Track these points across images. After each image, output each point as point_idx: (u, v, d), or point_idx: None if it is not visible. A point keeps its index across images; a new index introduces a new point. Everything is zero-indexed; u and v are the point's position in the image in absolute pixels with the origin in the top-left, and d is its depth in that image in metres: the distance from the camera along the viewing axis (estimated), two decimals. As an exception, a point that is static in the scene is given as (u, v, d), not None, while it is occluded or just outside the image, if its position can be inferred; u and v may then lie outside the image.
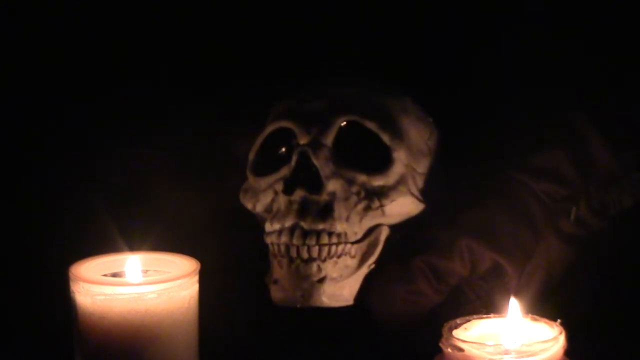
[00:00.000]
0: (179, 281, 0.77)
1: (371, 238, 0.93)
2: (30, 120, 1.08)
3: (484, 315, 0.76)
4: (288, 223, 0.91)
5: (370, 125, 0.94)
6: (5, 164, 1.08)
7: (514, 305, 0.75)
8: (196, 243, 0.88)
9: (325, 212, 0.91)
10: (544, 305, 0.83)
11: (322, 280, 0.91)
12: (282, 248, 0.92)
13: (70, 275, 0.77)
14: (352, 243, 0.92)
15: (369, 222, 0.93)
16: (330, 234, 0.91)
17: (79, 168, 1.06)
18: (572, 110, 0.96)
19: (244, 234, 1.03)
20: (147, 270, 0.82)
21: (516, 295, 0.90)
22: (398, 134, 0.95)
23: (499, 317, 0.76)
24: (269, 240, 0.94)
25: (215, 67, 1.09)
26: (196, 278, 0.79)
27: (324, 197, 0.92)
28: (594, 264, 0.96)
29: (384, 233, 0.94)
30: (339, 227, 0.91)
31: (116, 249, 0.85)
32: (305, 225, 0.91)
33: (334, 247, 0.91)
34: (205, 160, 1.07)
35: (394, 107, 0.97)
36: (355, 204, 0.92)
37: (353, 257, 0.93)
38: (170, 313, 0.76)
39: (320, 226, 0.91)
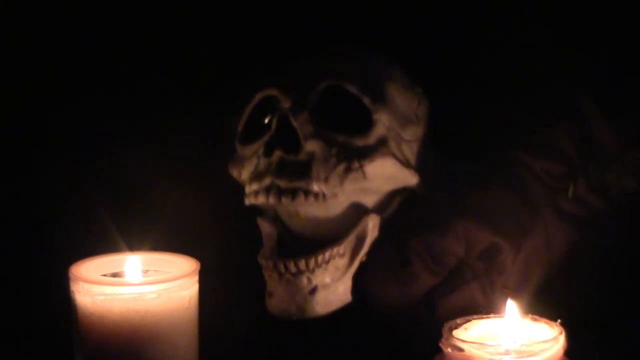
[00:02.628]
0: (179, 281, 0.77)
1: (358, 229, 0.93)
2: (30, 120, 1.08)
3: (484, 315, 0.76)
4: (265, 183, 0.91)
5: (351, 88, 0.93)
6: (5, 163, 1.08)
7: (514, 305, 0.75)
8: (196, 243, 0.88)
9: (302, 171, 0.90)
10: (544, 305, 0.83)
11: (313, 291, 0.91)
12: (270, 263, 0.91)
13: (70, 275, 0.77)
14: (337, 242, 0.91)
15: (350, 185, 0.92)
16: (306, 192, 0.90)
17: (79, 168, 1.06)
18: (572, 88, 0.96)
19: (244, 234, 1.03)
20: (147, 270, 0.82)
21: (516, 282, 0.91)
22: (380, 98, 0.94)
23: (499, 317, 0.76)
24: (247, 201, 0.93)
25: (216, 63, 1.09)
26: (196, 278, 0.79)
27: (302, 157, 0.91)
28: (593, 257, 0.95)
29: (372, 222, 0.93)
30: (316, 186, 0.90)
31: (116, 249, 0.84)
32: (281, 183, 0.90)
33: (320, 256, 0.90)
34: (205, 161, 1.07)
35: (378, 74, 0.96)
36: (335, 165, 0.91)
37: (342, 255, 0.92)
38: (170, 313, 0.76)
39: (296, 184, 0.90)
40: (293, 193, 0.90)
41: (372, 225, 0.93)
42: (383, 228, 0.94)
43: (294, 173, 0.90)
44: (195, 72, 1.09)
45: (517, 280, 0.91)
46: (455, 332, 0.72)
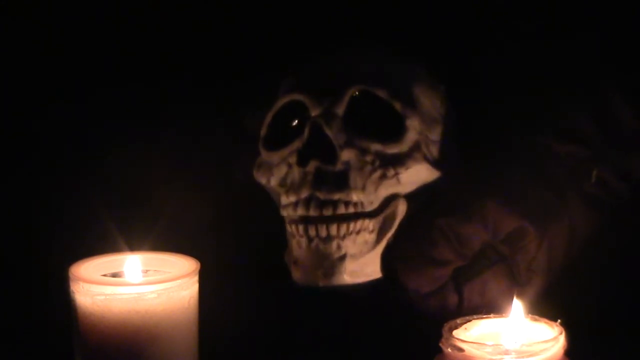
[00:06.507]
0: (179, 281, 0.77)
1: (388, 212, 0.93)
2: (31, 120, 1.08)
3: (484, 315, 0.76)
4: (304, 194, 0.91)
5: (382, 93, 0.94)
6: (5, 164, 1.08)
7: (515, 305, 0.75)
8: (196, 243, 0.88)
9: (341, 181, 0.91)
10: (545, 305, 0.83)
11: (342, 258, 0.91)
12: (301, 228, 0.91)
13: (70, 275, 0.77)
14: (370, 217, 0.92)
15: (384, 191, 0.93)
16: (346, 203, 0.91)
17: (79, 168, 1.06)
18: (597, 72, 0.96)
19: (244, 234, 1.03)
20: (147, 270, 0.82)
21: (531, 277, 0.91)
22: (410, 102, 0.94)
23: (499, 317, 0.76)
24: (285, 212, 0.93)
25: (217, 62, 1.09)
26: (196, 278, 0.79)
27: (339, 167, 0.91)
28: (606, 252, 0.95)
29: (401, 206, 0.93)
30: (355, 196, 0.91)
31: (116, 249, 0.84)
32: (320, 195, 0.90)
33: (352, 224, 0.91)
34: (205, 161, 1.07)
35: (405, 75, 0.97)
36: (370, 173, 0.92)
37: (371, 232, 0.92)
38: (170, 313, 0.76)
39: (336, 196, 0.90)
40: (334, 205, 0.90)
41: (401, 209, 0.94)
42: (411, 211, 0.94)
43: (332, 184, 0.91)
44: (197, 71, 1.09)
45: (541, 263, 0.91)
46: (455, 332, 0.72)
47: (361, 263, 0.92)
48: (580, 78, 0.97)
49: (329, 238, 0.90)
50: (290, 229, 0.93)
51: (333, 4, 1.08)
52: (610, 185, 0.94)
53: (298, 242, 0.92)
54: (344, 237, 0.90)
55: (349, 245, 0.91)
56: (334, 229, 0.90)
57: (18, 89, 1.08)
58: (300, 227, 0.91)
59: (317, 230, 0.90)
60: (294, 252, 0.93)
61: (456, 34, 1.04)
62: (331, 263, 0.91)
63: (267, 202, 1.01)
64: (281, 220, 0.97)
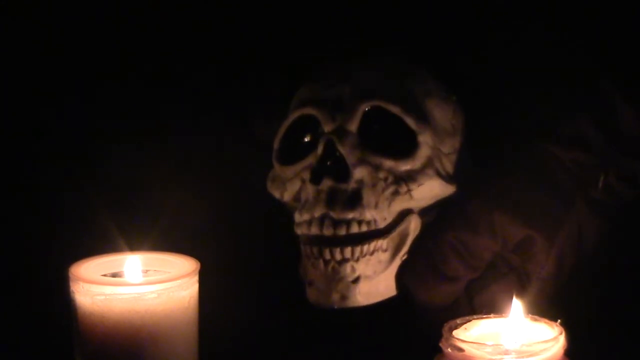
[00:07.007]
0: (179, 281, 0.77)
1: (401, 228, 0.93)
2: (30, 119, 1.08)
3: (484, 315, 0.76)
4: (317, 213, 0.91)
5: (394, 109, 0.93)
6: (5, 163, 1.08)
7: (515, 305, 0.75)
8: (196, 243, 0.88)
9: (354, 200, 0.91)
10: (545, 305, 0.83)
11: (356, 280, 0.91)
12: (315, 250, 0.91)
13: (70, 275, 0.77)
14: (383, 236, 0.92)
15: (397, 206, 0.93)
16: (360, 222, 0.90)
17: (79, 168, 1.06)
18: (600, 78, 0.96)
19: (244, 234, 1.03)
20: (147, 270, 0.82)
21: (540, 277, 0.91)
22: (423, 117, 0.94)
23: (499, 317, 0.76)
24: (299, 231, 0.93)
25: (218, 63, 1.09)
26: (196, 278, 0.79)
27: (352, 185, 0.91)
28: (601, 255, 0.95)
29: (414, 222, 0.93)
30: (368, 214, 0.91)
31: (116, 249, 0.84)
32: (334, 215, 0.90)
33: (366, 246, 0.91)
34: (205, 160, 1.07)
35: (417, 90, 0.96)
36: (383, 190, 0.92)
37: (385, 251, 0.92)
38: (170, 313, 0.76)
39: (350, 215, 0.90)
40: (347, 224, 0.90)
41: (414, 226, 0.93)
42: (424, 227, 0.94)
43: (346, 203, 0.91)
44: (197, 72, 1.09)
45: (551, 271, 0.91)
46: (455, 332, 0.72)
47: (375, 283, 0.92)
48: (581, 82, 0.96)
49: (343, 261, 0.90)
50: (305, 250, 0.93)
51: (339, 11, 1.07)
52: (615, 190, 0.94)
53: (313, 264, 0.92)
54: (357, 260, 0.91)
55: (363, 267, 0.91)
56: (348, 252, 0.90)
57: (18, 89, 1.08)
58: (315, 250, 0.91)
59: (331, 253, 0.90)
60: (309, 273, 0.93)
61: (457, 38, 1.04)
62: (345, 286, 0.91)
63: (267, 202, 1.01)
64: (282, 219, 0.97)
